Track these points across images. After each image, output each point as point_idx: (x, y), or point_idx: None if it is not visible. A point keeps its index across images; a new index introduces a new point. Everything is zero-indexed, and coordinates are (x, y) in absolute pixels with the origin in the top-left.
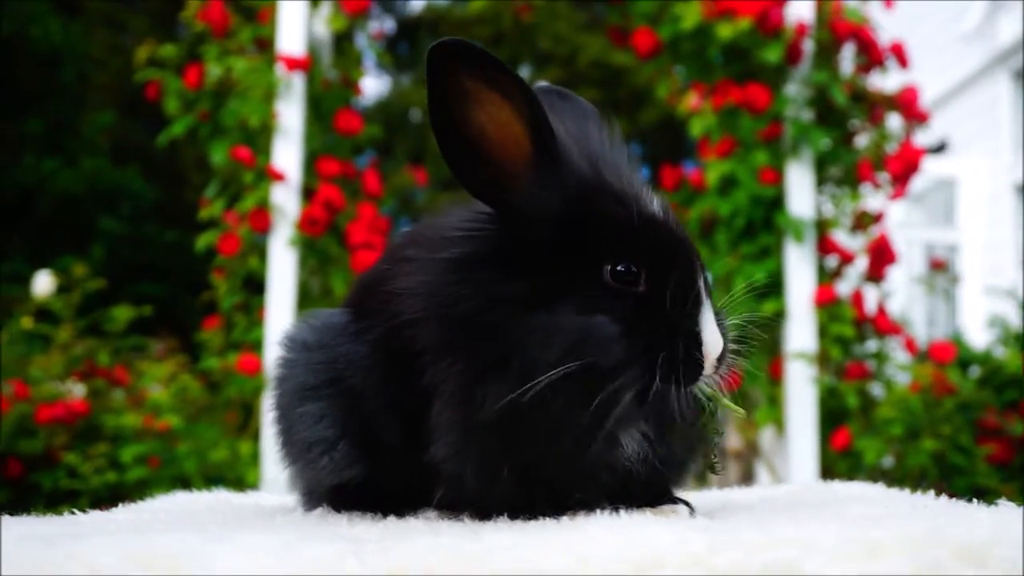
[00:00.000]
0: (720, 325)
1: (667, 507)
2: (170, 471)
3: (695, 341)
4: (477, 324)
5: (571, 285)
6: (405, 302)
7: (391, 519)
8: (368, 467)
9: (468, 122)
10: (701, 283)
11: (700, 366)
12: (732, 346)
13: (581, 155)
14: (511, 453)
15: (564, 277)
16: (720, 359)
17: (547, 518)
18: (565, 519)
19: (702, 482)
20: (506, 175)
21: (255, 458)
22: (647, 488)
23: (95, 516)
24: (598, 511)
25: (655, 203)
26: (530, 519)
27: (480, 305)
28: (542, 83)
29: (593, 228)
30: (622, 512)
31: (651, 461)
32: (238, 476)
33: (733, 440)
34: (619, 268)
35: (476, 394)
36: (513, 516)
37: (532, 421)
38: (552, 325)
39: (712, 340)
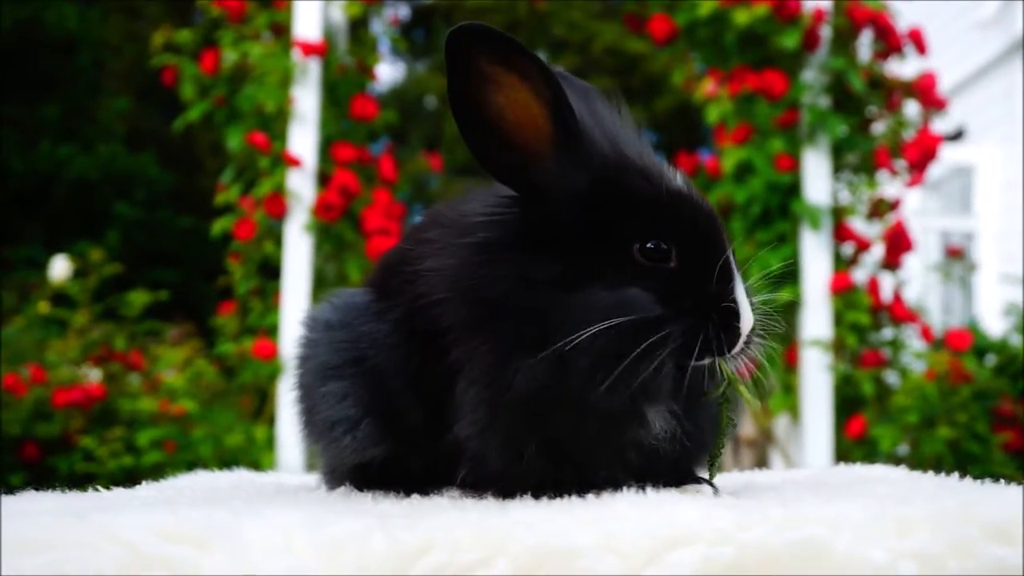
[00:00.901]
0: (750, 299)
1: (692, 486)
2: (185, 455)
3: (730, 312)
4: (509, 305)
5: (601, 264)
6: (430, 282)
7: (415, 497)
8: (391, 446)
9: (488, 105)
10: (731, 257)
11: (737, 335)
12: (761, 321)
13: (601, 134)
14: (539, 431)
15: (594, 256)
16: (751, 332)
17: (573, 496)
18: (591, 496)
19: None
20: (528, 157)
21: (270, 443)
22: (672, 467)
23: (119, 493)
24: (624, 489)
25: (678, 178)
26: (555, 497)
27: (511, 287)
28: None
29: (620, 206)
30: (648, 490)
31: (678, 439)
32: (253, 461)
33: (747, 428)
34: (649, 245)
35: (506, 373)
36: (537, 495)
37: (564, 399)
38: (586, 303)
39: (746, 311)
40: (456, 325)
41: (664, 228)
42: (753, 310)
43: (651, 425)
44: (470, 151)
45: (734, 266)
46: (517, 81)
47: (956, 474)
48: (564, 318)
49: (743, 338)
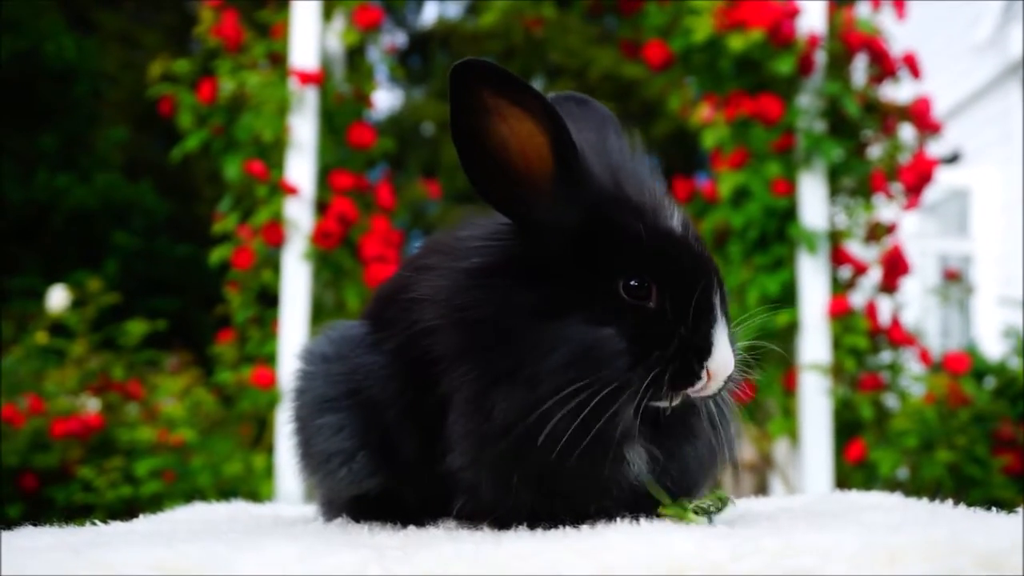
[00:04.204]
0: (732, 342)
1: None
2: (184, 485)
3: (702, 357)
4: (490, 330)
5: (584, 297)
6: (423, 310)
7: (411, 528)
8: (387, 478)
9: (489, 137)
10: (716, 299)
11: (697, 379)
12: (741, 364)
13: (603, 167)
14: (522, 462)
15: (578, 289)
16: (729, 377)
17: (566, 527)
18: (585, 527)
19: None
20: (527, 189)
21: (269, 472)
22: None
23: (116, 527)
24: (618, 520)
25: (675, 216)
26: (550, 528)
27: (493, 311)
28: (559, 92)
29: (608, 241)
30: (642, 521)
31: (663, 480)
32: (252, 490)
33: (747, 453)
34: (632, 282)
35: (486, 403)
36: (531, 526)
37: (538, 432)
38: (560, 336)
39: (721, 357)
40: (446, 354)
41: (648, 266)
42: (736, 349)
43: (630, 464)
44: (469, 181)
45: (719, 308)
46: (520, 113)
47: (950, 501)
48: (535, 346)
49: (715, 382)
